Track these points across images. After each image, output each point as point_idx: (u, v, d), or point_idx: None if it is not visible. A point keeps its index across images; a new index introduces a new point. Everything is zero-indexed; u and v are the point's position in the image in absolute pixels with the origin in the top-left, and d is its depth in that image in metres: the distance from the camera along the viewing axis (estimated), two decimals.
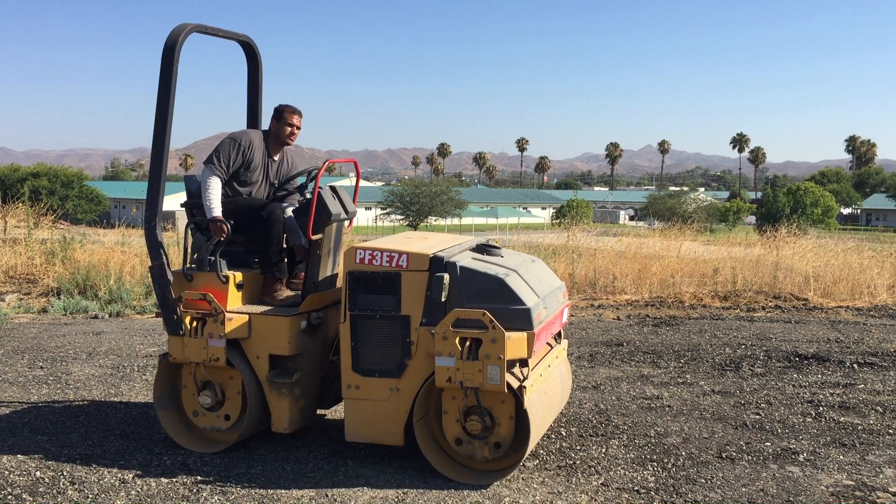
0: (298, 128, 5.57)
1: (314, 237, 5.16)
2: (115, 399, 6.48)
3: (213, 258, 5.13)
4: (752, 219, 64.34)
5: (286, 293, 5.32)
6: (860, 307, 11.52)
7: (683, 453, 5.18)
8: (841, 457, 5.15)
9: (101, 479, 4.67)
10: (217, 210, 5.17)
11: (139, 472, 4.79)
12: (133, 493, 4.48)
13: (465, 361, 4.42)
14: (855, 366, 7.60)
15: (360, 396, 4.80)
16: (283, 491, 4.52)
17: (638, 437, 5.52)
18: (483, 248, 5.04)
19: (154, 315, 10.80)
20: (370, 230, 53.99)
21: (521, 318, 4.46)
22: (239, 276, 5.20)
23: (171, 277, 5.08)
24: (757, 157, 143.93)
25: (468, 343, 4.44)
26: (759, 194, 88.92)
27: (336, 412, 5.98)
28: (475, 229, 54.66)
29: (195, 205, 5.37)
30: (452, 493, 4.50)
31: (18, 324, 10.11)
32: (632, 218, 76.18)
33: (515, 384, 4.48)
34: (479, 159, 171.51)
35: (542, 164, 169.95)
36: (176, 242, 12.76)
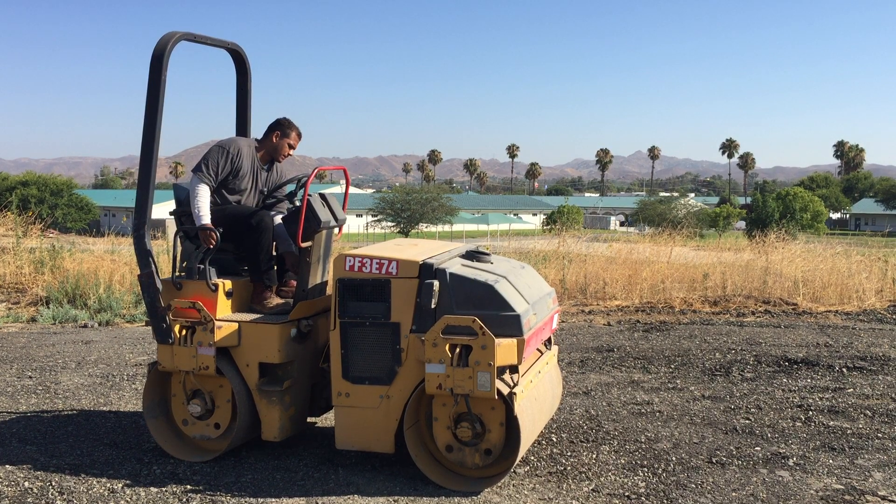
0: (294, 149, 5.65)
1: (304, 245, 5.16)
2: (105, 408, 6.45)
3: (202, 266, 5.11)
4: (742, 224, 64.50)
5: (276, 301, 5.31)
6: (849, 311, 11.58)
7: (674, 458, 5.19)
8: (830, 461, 5.17)
9: (90, 489, 4.64)
10: (206, 218, 5.16)
11: (129, 481, 4.76)
12: (122, 502, 4.46)
13: (455, 368, 4.42)
14: (844, 370, 7.64)
15: (351, 404, 4.80)
16: (273, 499, 4.51)
17: (628, 442, 5.53)
18: (473, 255, 5.04)
19: (143, 324, 10.77)
20: (361, 237, 53.96)
21: (510, 325, 4.47)
22: (228, 284, 5.19)
23: (160, 286, 5.07)
24: (746, 162, 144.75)
25: (458, 350, 4.44)
26: (749, 199, 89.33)
27: (326, 420, 5.96)
28: (466, 236, 54.68)
29: (184, 213, 5.36)
30: (443, 500, 4.50)
31: (7, 333, 10.05)
32: (622, 224, 76.38)
33: (506, 391, 4.48)
34: (469, 166, 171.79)
35: (532, 171, 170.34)
36: (165, 251, 12.73)
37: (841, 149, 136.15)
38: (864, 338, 9.36)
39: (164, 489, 4.65)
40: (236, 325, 5.03)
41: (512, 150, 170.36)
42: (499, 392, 4.45)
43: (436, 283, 4.54)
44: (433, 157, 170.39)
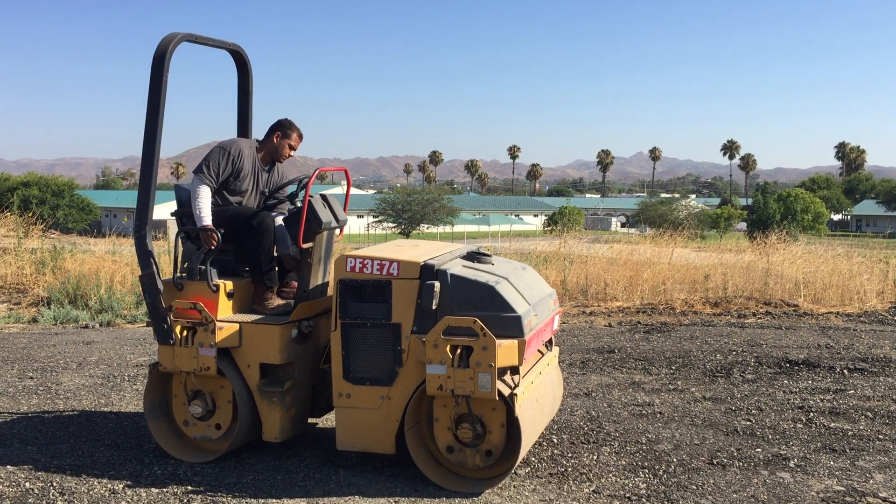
0: (296, 150, 5.65)
1: (305, 246, 5.16)
2: (106, 409, 6.45)
3: (203, 267, 5.12)
4: (743, 225, 64.47)
5: (277, 302, 5.32)
6: (850, 313, 11.57)
7: (675, 460, 5.19)
8: (831, 462, 5.17)
9: (91, 489, 4.65)
10: (207, 219, 5.16)
11: (129, 482, 4.77)
12: (123, 503, 4.46)
13: (455, 369, 4.42)
14: (845, 371, 7.63)
15: (352, 405, 4.80)
16: (274, 500, 4.51)
17: (629, 443, 5.53)
18: (474, 256, 5.04)
19: (145, 324, 10.78)
20: (362, 238, 53.97)
21: (511, 326, 4.47)
22: (229, 284, 5.20)
23: (161, 286, 5.07)
24: (747, 163, 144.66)
25: (459, 351, 4.44)
26: (750, 201, 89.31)
27: (327, 421, 5.96)
28: (467, 237, 54.66)
29: (185, 214, 5.36)
30: (444, 501, 4.50)
31: (8, 334, 10.06)
32: (623, 225, 76.35)
33: (506, 392, 4.48)
34: (470, 167, 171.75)
35: (533, 172, 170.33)
36: (166, 251, 12.74)
37: (842, 150, 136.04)
38: (865, 339, 9.35)
39: (165, 490, 4.65)
40: (237, 325, 5.04)
41: (513, 151, 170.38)
42: (500, 393, 4.45)
43: (437, 284, 4.54)
44: (434, 157, 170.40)
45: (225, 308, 5.15)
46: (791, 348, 8.77)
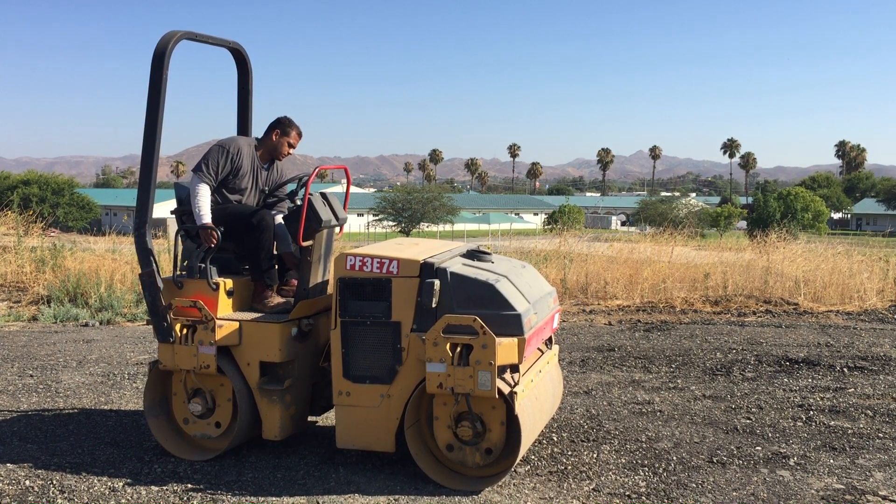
0: (295, 148, 5.65)
1: (304, 244, 5.16)
2: (106, 407, 6.45)
3: (203, 265, 5.12)
4: (743, 224, 64.42)
5: (277, 300, 5.32)
6: (850, 311, 11.57)
7: (674, 458, 5.19)
8: (831, 461, 5.17)
9: (91, 487, 4.65)
10: (207, 217, 5.16)
11: (129, 480, 4.77)
12: (123, 501, 4.46)
13: (455, 367, 4.42)
14: (845, 370, 7.63)
15: (351, 403, 4.80)
16: (273, 498, 4.51)
17: (629, 442, 5.53)
18: (474, 254, 5.04)
19: (144, 323, 10.77)
20: (362, 236, 53.95)
21: (511, 324, 4.47)
22: (229, 283, 5.20)
23: (161, 285, 5.08)
24: (748, 162, 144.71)
25: (459, 349, 4.44)
26: (750, 199, 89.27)
27: (327, 419, 5.97)
28: (467, 235, 54.65)
29: (185, 212, 5.36)
30: (444, 499, 4.50)
31: (8, 332, 10.06)
32: (623, 223, 76.31)
33: (506, 390, 4.48)
34: (471, 165, 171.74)
35: (533, 170, 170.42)
36: (166, 250, 12.74)
37: (842, 149, 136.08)
38: (865, 338, 9.36)
39: (164, 488, 4.65)
40: (237, 324, 5.04)
41: (513, 150, 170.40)
42: (499, 391, 4.45)
43: (437, 283, 4.54)
44: (434, 156, 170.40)
45: (225, 306, 5.15)
46: (791, 346, 8.77)
